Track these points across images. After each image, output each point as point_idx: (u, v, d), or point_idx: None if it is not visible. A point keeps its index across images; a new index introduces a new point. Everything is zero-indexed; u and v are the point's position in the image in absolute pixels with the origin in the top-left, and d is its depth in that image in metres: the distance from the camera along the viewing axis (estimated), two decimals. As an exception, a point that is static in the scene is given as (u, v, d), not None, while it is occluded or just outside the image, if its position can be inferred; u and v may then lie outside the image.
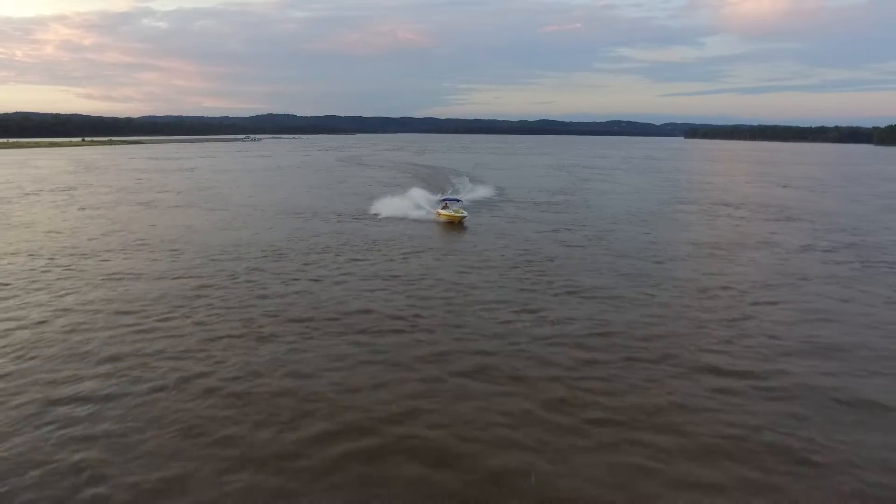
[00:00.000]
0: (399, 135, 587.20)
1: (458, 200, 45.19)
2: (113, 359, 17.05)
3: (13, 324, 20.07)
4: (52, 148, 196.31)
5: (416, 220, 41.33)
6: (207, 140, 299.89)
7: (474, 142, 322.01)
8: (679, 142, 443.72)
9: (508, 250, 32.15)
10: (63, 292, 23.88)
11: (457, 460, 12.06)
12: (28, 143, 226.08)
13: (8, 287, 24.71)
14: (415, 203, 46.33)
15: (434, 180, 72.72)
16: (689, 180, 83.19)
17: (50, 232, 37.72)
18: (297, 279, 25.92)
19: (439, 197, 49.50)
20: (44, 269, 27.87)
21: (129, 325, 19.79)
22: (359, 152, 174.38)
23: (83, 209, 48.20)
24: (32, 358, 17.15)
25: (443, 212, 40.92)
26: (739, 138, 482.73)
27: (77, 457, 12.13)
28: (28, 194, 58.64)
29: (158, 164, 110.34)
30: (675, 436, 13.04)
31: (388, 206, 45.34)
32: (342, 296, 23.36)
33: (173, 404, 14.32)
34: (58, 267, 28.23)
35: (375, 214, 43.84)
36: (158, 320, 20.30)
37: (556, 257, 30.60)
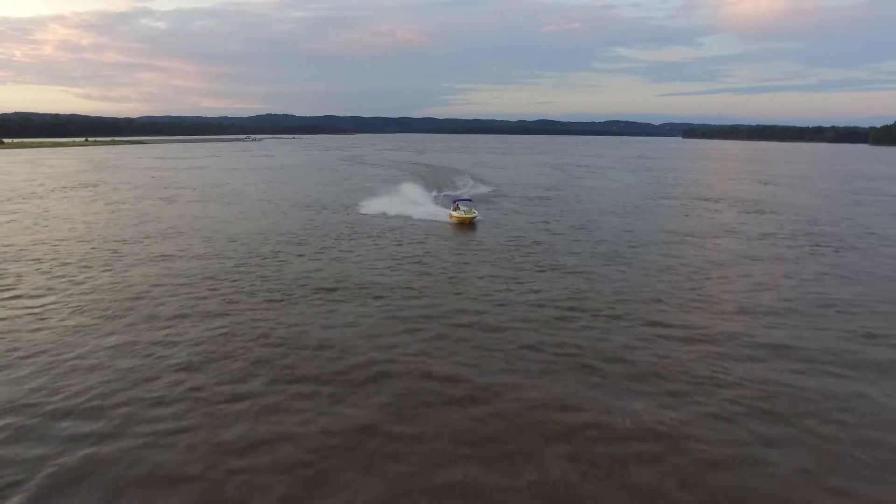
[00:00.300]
0: (398, 135, 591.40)
1: (468, 200, 45.78)
2: (179, 316, 21.28)
3: (86, 290, 24.29)
4: (58, 148, 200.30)
5: (393, 216, 43.68)
6: (209, 140, 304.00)
7: (473, 142, 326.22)
8: (676, 142, 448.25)
9: (501, 237, 36.41)
10: (119, 269, 28.11)
11: (457, 378, 16.29)
12: (33, 143, 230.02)
13: (69, 265, 28.93)
14: (408, 199, 49.58)
15: (433, 178, 76.97)
16: (677, 178, 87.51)
17: (88, 223, 41.91)
18: (317, 259, 30.17)
19: (434, 193, 53.23)
20: (94, 252, 32.07)
21: (185, 293, 24.03)
22: (359, 152, 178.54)
23: (111, 203, 52.39)
24: (113, 316, 21.33)
25: (454, 213, 41.52)
26: (737, 138, 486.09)
27: (172, 376, 16.33)
28: (54, 191, 62.81)
29: (167, 164, 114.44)
30: (620, 364, 17.29)
31: (371, 206, 47.89)
32: (359, 271, 27.62)
33: (236, 344, 18.55)
34: (106, 250, 32.43)
35: (357, 209, 46.98)
36: (209, 289, 24.54)
37: (542, 242, 34.90)
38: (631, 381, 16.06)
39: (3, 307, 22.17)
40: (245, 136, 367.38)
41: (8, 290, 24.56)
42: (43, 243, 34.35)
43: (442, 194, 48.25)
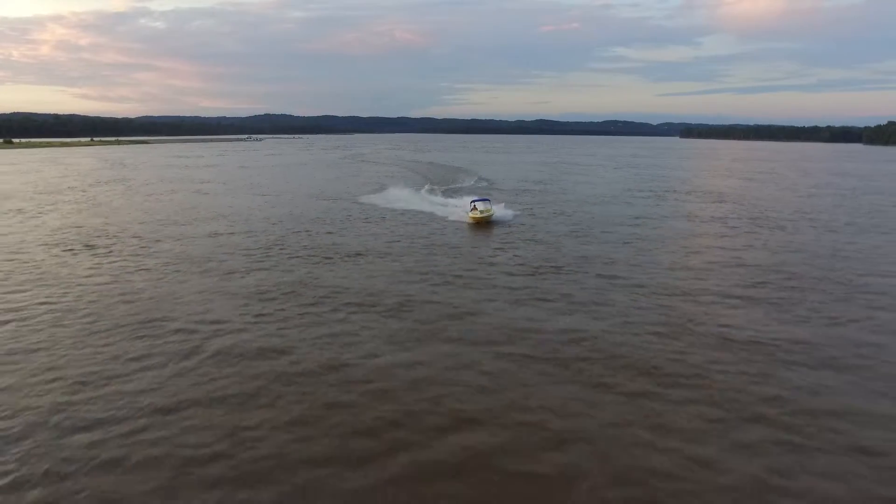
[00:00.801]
0: (397, 134, 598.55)
1: (486, 200, 45.59)
2: (247, 270, 28.42)
3: (165, 255, 31.44)
4: (66, 147, 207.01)
5: (396, 205, 50.41)
6: (211, 140, 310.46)
7: (471, 141, 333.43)
8: (672, 141, 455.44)
9: (492, 220, 43.64)
10: (184, 242, 35.25)
11: (456, 304, 23.51)
12: (41, 142, 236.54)
13: (141, 239, 36.02)
14: (409, 192, 56.52)
15: (435, 173, 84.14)
16: (658, 174, 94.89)
17: (139, 209, 49.02)
18: (343, 235, 37.38)
19: (427, 187, 59.29)
20: (156, 230, 39.15)
21: (245, 258, 31.18)
22: (361, 151, 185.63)
23: (150, 195, 59.51)
24: (197, 272, 28.42)
25: (472, 214, 42.25)
26: (734, 138, 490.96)
27: (260, 304, 23.50)
28: (91, 185, 69.86)
29: (181, 162, 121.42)
30: (567, 297, 24.52)
31: (379, 198, 54.61)
32: (377, 243, 34.84)
33: (298, 287, 25.74)
34: (165, 229, 39.48)
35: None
36: (262, 255, 31.73)
37: (524, 224, 42.17)
38: (572, 307, 23.33)
39: (111, 265, 29.35)
40: (246, 136, 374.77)
41: (106, 256, 31.74)
42: (110, 225, 41.46)
43: (474, 199, 45.19)
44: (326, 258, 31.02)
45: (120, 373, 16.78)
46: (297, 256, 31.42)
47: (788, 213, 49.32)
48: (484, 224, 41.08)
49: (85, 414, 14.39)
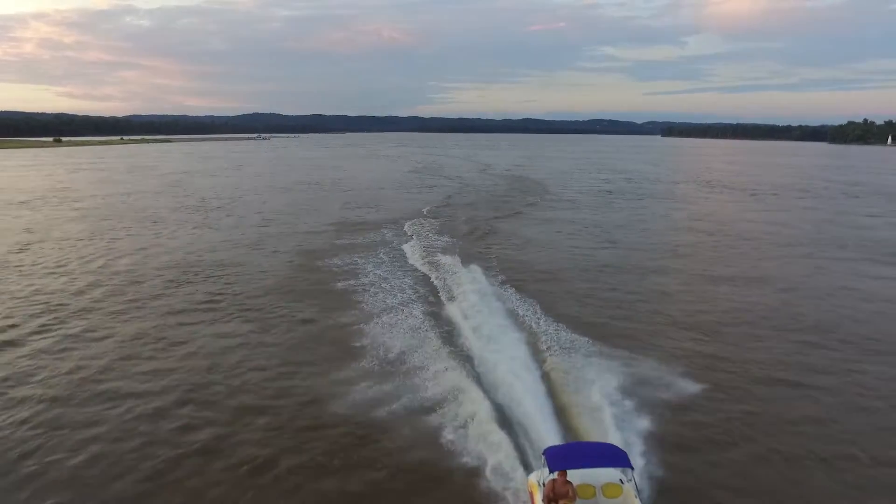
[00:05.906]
0: (390, 133, 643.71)
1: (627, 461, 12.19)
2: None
3: (345, 195, 78.54)
4: (110, 146, 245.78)
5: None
6: (227, 139, 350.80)
7: (462, 140, 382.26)
8: (648, 139, 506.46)
9: (477, 184, 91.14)
10: (354, 194, 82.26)
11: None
12: (80, 141, 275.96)
13: (317, 195, 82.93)
14: None
15: (449, 163, 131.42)
16: (599, 164, 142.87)
17: (263, 178, 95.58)
18: (446, 181, 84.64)
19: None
20: (308, 188, 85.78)
21: (400, 194, 78.34)
22: (374, 149, 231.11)
23: (292, 167, 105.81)
24: (360, 205, 75.77)
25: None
26: (712, 136, 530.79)
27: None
28: (235, 169, 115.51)
29: (244, 157, 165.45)
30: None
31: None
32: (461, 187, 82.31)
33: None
34: (320, 192, 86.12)
35: None
36: (406, 199, 78.94)
37: (489, 190, 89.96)
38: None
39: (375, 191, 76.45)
40: (256, 134, 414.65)
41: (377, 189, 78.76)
42: (324, 180, 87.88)
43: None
44: (414, 190, 78.48)
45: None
46: (394, 192, 78.77)
47: (650, 181, 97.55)
48: None
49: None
